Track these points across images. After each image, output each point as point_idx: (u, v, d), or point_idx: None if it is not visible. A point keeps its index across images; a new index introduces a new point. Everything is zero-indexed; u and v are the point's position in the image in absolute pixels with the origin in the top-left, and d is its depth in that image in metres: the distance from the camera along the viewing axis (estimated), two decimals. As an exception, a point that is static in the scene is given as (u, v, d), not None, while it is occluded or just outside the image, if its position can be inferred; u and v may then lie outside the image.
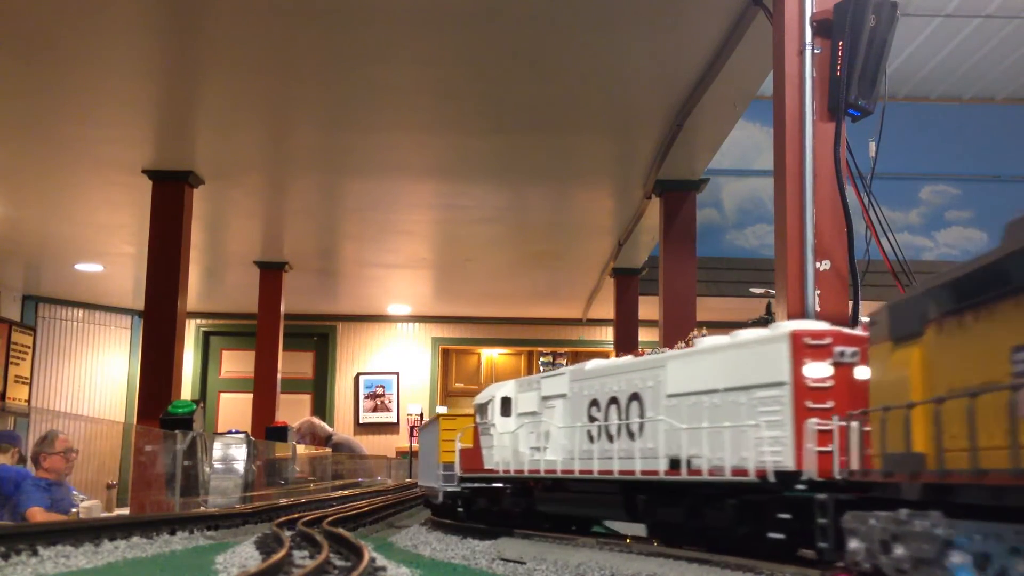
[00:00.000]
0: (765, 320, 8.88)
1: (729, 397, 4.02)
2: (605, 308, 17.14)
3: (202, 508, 9.11)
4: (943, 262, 14.87)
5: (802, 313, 5.53)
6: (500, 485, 6.17)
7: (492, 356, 21.58)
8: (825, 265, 5.63)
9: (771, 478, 3.64)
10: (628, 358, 5.01)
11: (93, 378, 19.80)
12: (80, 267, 16.45)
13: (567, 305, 19.19)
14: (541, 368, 21.28)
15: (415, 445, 15.85)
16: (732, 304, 14.93)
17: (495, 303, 19.22)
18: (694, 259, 11.19)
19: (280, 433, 13.48)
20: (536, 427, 5.53)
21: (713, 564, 3.79)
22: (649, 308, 14.13)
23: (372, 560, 4.20)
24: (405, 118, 9.75)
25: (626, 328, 15.24)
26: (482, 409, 6.14)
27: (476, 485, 6.41)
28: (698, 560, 3.90)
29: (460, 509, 6.67)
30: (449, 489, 6.67)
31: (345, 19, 7.69)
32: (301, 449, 14.67)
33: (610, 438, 4.81)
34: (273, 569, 3.87)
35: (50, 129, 10.15)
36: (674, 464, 4.22)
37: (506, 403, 5.89)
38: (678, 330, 10.11)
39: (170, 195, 11.19)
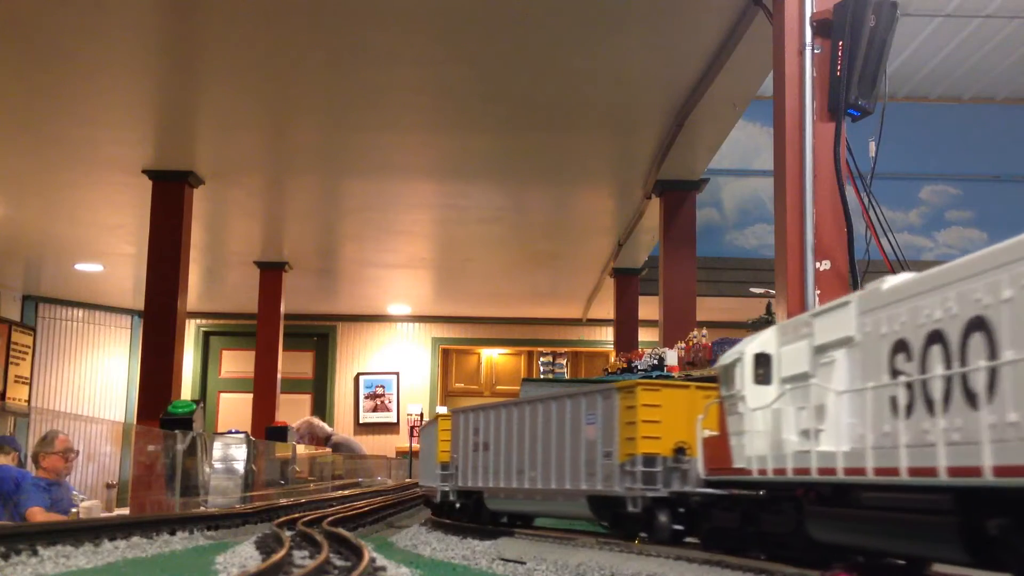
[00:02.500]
0: (766, 320, 8.87)
1: None
2: (605, 308, 17.14)
3: (202, 508, 9.11)
4: (943, 262, 14.80)
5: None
6: (751, 492, 3.91)
7: (492, 356, 21.58)
8: (825, 265, 5.64)
9: None
10: (962, 259, 2.88)
11: (93, 378, 19.80)
12: (80, 267, 16.46)
13: (567, 305, 19.19)
14: (541, 368, 21.25)
15: (415, 445, 15.85)
16: (732, 304, 14.92)
17: (495, 303, 19.22)
18: (694, 259, 11.20)
19: (280, 433, 13.48)
20: (806, 397, 3.43)
21: (713, 564, 3.79)
22: (649, 308, 14.13)
23: (372, 560, 4.20)
24: (405, 118, 9.75)
25: (626, 328, 15.24)
26: (727, 374, 3.97)
27: (721, 492, 4.11)
28: (698, 560, 3.89)
29: (677, 527, 4.41)
30: (651, 493, 4.44)
31: (345, 19, 7.69)
32: (301, 449, 14.67)
33: (930, 406, 2.74)
34: (273, 569, 3.87)
35: (51, 129, 10.15)
36: None
37: (762, 363, 3.74)
38: (678, 330, 10.11)
39: (170, 195, 11.20)
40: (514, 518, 6.29)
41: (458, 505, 6.61)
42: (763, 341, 3.82)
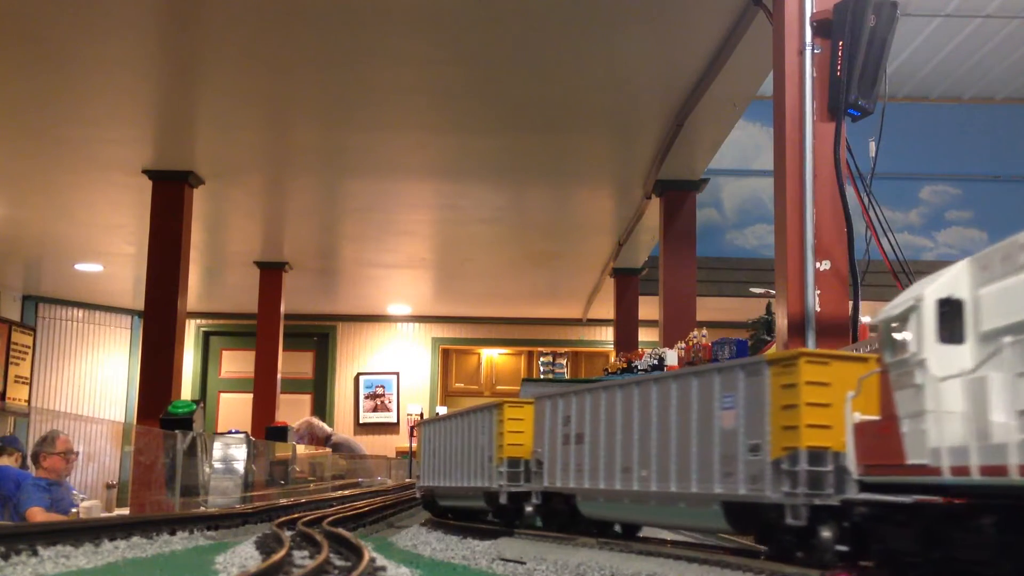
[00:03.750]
0: (766, 320, 8.87)
1: None
2: (605, 308, 17.13)
3: (202, 508, 9.11)
4: (943, 262, 14.78)
5: (802, 313, 5.53)
6: (936, 501, 2.83)
7: (492, 356, 21.58)
8: (825, 265, 5.63)
9: None
10: None
11: (93, 378, 19.80)
12: (80, 267, 16.46)
13: (567, 305, 19.20)
14: (541, 368, 21.26)
15: (415, 445, 15.83)
16: (732, 304, 14.93)
17: (495, 303, 19.22)
18: (694, 259, 11.20)
19: (280, 433, 13.48)
20: None
21: (713, 564, 3.78)
22: (649, 308, 14.14)
23: (372, 560, 4.20)
24: (405, 118, 9.75)
25: (626, 328, 15.24)
26: (893, 332, 2.91)
27: (902, 499, 2.93)
28: (698, 560, 3.89)
29: (841, 548, 3.27)
30: (820, 501, 3.29)
31: (344, 19, 7.69)
32: (301, 449, 14.67)
33: None
34: (273, 569, 3.87)
35: (50, 129, 10.15)
36: None
37: (952, 312, 2.72)
38: (678, 330, 10.12)
39: (170, 195, 11.20)
40: (605, 525, 5.06)
41: (529, 508, 5.60)
42: (950, 280, 2.74)
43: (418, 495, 7.85)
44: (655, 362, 8.85)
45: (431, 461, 7.39)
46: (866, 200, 5.94)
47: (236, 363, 20.22)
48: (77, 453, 9.53)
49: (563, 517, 5.26)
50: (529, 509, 5.58)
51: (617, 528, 5.06)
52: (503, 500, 5.67)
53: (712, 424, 3.86)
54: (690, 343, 8.64)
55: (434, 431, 7.47)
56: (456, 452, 6.67)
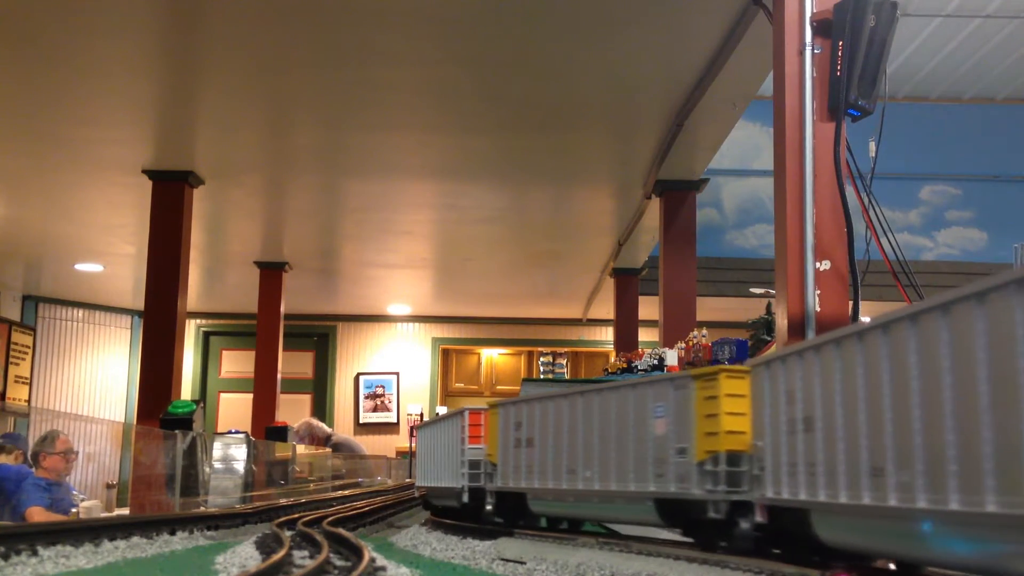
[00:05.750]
0: (766, 320, 8.88)
1: None
2: (605, 308, 17.13)
3: (202, 508, 9.11)
4: (943, 262, 14.88)
5: (802, 313, 5.53)
6: None
7: (492, 356, 21.59)
8: (825, 265, 5.63)
9: None
10: None
11: (93, 378, 19.80)
12: (80, 267, 16.46)
13: (567, 305, 19.20)
14: (541, 368, 21.28)
15: (415, 445, 15.81)
16: (732, 304, 14.93)
17: (495, 303, 19.22)
18: (694, 259, 11.20)
19: (280, 433, 13.48)
20: None
21: (713, 564, 3.78)
22: (649, 308, 14.13)
23: (372, 560, 4.19)
24: (405, 118, 9.75)
25: (626, 328, 15.24)
26: None
27: None
28: (698, 560, 3.89)
29: None
30: None
31: (345, 19, 7.70)
32: (301, 449, 14.67)
33: None
34: (273, 569, 3.87)
35: (50, 129, 10.15)
36: None
37: None
38: (678, 330, 10.12)
39: (170, 195, 11.20)
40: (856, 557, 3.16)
41: (745, 526, 3.69)
42: None
43: (458, 501, 6.06)
44: (655, 362, 8.86)
45: (519, 455, 5.55)
46: (866, 200, 5.94)
47: (236, 363, 20.22)
48: (77, 453, 9.54)
49: (794, 542, 3.45)
50: (746, 526, 3.70)
51: (891, 565, 3.23)
52: (715, 513, 3.77)
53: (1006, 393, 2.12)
54: (690, 343, 8.64)
55: (528, 415, 5.41)
56: (592, 442, 4.77)
